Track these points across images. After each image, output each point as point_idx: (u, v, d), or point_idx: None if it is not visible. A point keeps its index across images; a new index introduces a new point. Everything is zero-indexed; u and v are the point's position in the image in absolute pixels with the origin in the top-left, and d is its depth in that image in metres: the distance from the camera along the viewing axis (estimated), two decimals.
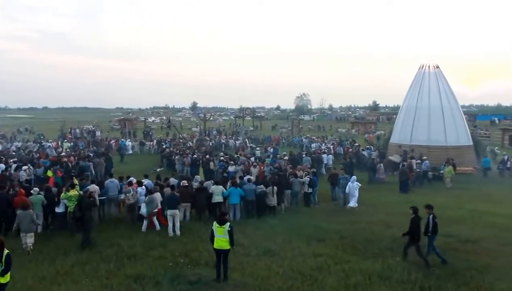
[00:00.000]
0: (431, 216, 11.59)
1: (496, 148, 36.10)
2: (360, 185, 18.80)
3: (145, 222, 14.54)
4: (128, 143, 40.37)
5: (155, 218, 14.66)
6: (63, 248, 12.58)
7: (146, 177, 18.04)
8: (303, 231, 14.46)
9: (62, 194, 14.31)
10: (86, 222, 12.86)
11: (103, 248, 12.56)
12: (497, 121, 75.59)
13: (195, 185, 16.94)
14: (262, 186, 16.75)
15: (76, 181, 15.88)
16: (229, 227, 10.10)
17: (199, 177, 18.56)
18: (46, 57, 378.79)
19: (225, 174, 22.12)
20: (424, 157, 26.74)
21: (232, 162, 24.24)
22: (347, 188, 18.44)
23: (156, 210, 14.61)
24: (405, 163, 25.03)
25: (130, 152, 38.53)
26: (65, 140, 43.64)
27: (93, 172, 23.01)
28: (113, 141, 41.58)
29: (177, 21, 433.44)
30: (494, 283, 10.07)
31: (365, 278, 10.32)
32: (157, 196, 14.77)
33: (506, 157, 28.51)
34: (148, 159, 35.23)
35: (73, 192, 14.25)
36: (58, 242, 13.18)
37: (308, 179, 18.98)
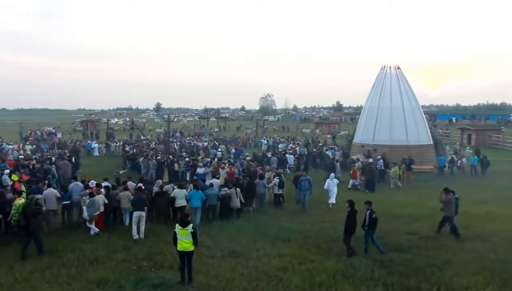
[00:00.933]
0: (368, 212, 12.41)
1: (457, 145, 37.17)
2: (338, 181, 19.58)
3: (90, 226, 14.15)
4: (95, 145, 39.75)
5: (93, 223, 14.16)
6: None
7: (105, 180, 17.61)
8: (268, 232, 14.47)
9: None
10: (34, 230, 12.20)
11: (64, 252, 12.19)
12: (454, 121, 78.31)
13: (155, 189, 16.50)
14: (226, 189, 16.41)
15: (23, 188, 15.29)
16: (192, 228, 9.98)
17: (160, 181, 18.02)
18: (2, 57, 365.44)
19: (194, 176, 21.93)
20: (379, 156, 27.23)
21: (201, 164, 23.93)
22: (326, 184, 19.04)
23: (96, 213, 14.15)
24: (371, 162, 25.55)
25: (97, 153, 37.82)
26: (27, 142, 42.33)
27: (56, 175, 22.37)
28: (78, 143, 40.85)
29: (140, 22, 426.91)
30: (453, 279, 10.32)
31: (330, 277, 10.41)
32: (99, 198, 14.41)
33: (454, 156, 29.67)
34: (112, 161, 34.56)
35: (19, 200, 13.18)
36: (16, 248, 12.61)
37: (278, 180, 18.90)
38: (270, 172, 20.40)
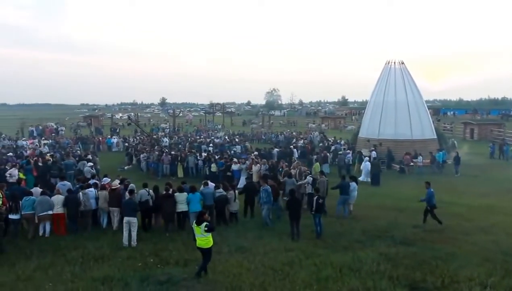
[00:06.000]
0: (316, 197, 13.63)
1: (453, 140, 36.80)
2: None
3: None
4: (114, 140, 39.74)
5: (46, 223, 13.53)
6: (24, 252, 12.05)
7: (105, 176, 17.50)
8: (274, 227, 14.44)
9: None
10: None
11: (67, 250, 12.10)
12: (449, 114, 79.21)
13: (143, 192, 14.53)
14: (221, 190, 14.97)
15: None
16: (206, 226, 10.03)
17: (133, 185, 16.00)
18: (4, 51, 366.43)
19: (228, 173, 21.82)
20: (372, 148, 27.60)
21: (235, 160, 23.39)
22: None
23: (46, 213, 13.41)
24: (375, 156, 25.57)
25: (116, 149, 38.00)
26: (43, 137, 42.21)
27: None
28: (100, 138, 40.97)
29: (144, 17, 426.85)
30: (458, 271, 10.28)
31: (336, 270, 10.37)
32: (54, 199, 13.70)
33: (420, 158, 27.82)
34: (115, 156, 34.47)
35: None
36: (18, 246, 12.62)
37: (311, 178, 17.03)
38: (296, 169, 19.01)
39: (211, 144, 33.80)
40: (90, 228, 14.30)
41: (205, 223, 10.07)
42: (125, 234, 12.60)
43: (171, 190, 14.44)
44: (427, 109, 32.24)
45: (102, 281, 9.91)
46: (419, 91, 31.46)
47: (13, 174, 18.90)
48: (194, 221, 10.37)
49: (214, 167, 23.42)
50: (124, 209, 13.10)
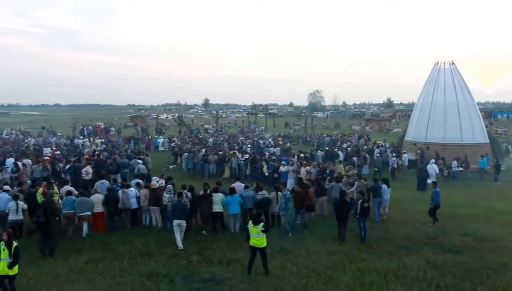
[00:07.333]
0: (360, 201, 13.52)
1: (507, 144, 35.13)
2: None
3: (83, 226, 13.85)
4: (160, 140, 40.58)
5: (84, 223, 13.78)
6: (76, 246, 12.64)
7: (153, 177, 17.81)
8: (316, 229, 14.36)
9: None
10: (51, 229, 12.12)
11: (116, 245, 12.60)
12: (500, 117, 75.38)
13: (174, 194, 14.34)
14: (264, 192, 14.69)
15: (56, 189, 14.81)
16: (263, 227, 10.32)
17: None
18: (57, 54, 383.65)
19: (275, 175, 21.91)
20: (404, 151, 27.30)
21: (283, 162, 23.28)
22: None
23: (85, 213, 13.74)
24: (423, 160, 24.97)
25: (162, 148, 38.80)
26: (97, 136, 43.77)
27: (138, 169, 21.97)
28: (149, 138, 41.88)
29: (189, 19, 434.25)
30: (511, 283, 9.91)
31: (381, 276, 10.23)
32: (94, 198, 14.10)
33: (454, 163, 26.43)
34: (161, 155, 35.14)
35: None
36: (72, 240, 13.24)
37: (367, 185, 16.19)
38: (349, 175, 18.21)
39: (249, 145, 33.86)
40: (129, 225, 14.73)
41: (262, 224, 10.33)
42: (177, 236, 12.57)
43: (208, 190, 14.45)
44: (479, 112, 30.98)
45: (148, 277, 10.26)
46: (471, 93, 30.20)
47: (88, 171, 19.66)
48: (251, 221, 10.61)
49: (265, 169, 23.47)
50: (173, 211, 13.10)
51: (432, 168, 23.88)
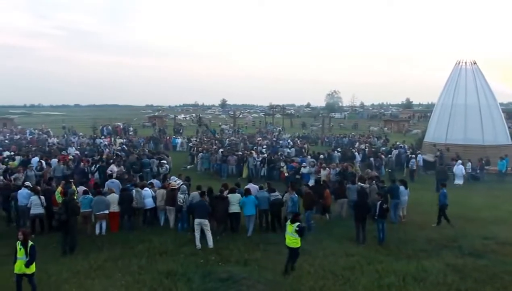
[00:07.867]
0: (379, 202, 13.33)
1: None
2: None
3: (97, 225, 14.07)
4: (178, 140, 40.88)
5: (102, 222, 14.00)
6: (96, 244, 12.84)
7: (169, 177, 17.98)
8: (333, 231, 14.29)
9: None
10: (72, 227, 12.33)
11: (134, 244, 12.75)
12: None
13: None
14: (276, 193, 14.64)
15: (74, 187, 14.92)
16: (297, 226, 10.32)
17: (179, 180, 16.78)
18: (77, 55, 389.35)
19: (297, 176, 21.90)
20: (418, 151, 27.18)
21: (305, 164, 23.26)
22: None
23: (102, 212, 13.89)
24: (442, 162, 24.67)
25: (180, 149, 39.05)
26: (118, 136, 44.29)
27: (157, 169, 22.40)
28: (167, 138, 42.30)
29: (206, 20, 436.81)
30: None
31: (399, 279, 10.12)
32: (110, 197, 14.25)
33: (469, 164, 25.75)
34: (179, 156, 35.36)
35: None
36: (92, 238, 13.47)
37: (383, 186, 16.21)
38: (367, 176, 18.00)
39: (264, 146, 33.84)
40: (141, 225, 14.90)
41: (297, 223, 10.36)
42: (197, 235, 12.57)
43: (225, 192, 14.45)
44: (502, 112, 30.37)
45: (166, 275, 10.34)
46: (493, 94, 29.63)
47: (113, 170, 19.87)
48: (289, 219, 10.79)
49: (285, 170, 23.42)
50: (195, 210, 13.15)
51: (459, 169, 23.88)
